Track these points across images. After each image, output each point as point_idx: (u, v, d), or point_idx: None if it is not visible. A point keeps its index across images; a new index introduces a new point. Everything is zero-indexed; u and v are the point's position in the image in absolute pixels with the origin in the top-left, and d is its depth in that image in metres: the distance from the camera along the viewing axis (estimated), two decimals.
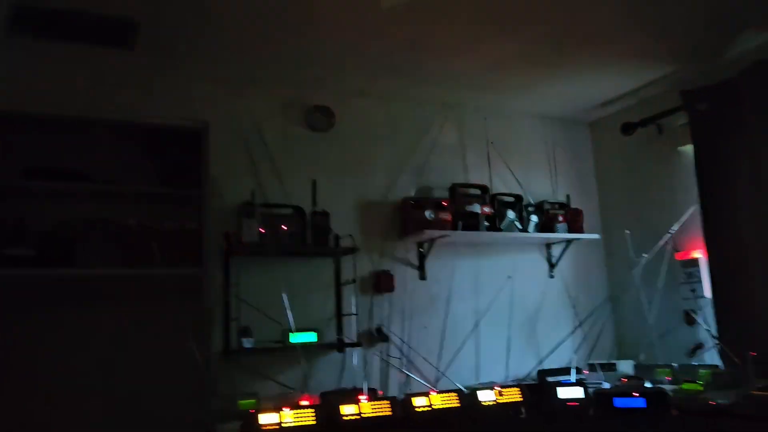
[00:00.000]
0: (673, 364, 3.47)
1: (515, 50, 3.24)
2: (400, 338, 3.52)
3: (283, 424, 2.46)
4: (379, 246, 3.60)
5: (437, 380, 3.50)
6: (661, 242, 3.56)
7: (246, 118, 3.42)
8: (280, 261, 3.32)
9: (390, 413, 2.67)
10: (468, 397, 2.90)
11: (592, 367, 3.67)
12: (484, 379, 3.67)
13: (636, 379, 3.44)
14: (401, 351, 3.50)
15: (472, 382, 3.56)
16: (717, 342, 3.37)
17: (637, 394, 2.90)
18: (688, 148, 3.63)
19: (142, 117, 3.25)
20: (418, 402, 2.76)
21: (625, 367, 3.72)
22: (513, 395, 2.96)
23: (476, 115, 4.05)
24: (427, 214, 3.58)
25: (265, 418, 2.47)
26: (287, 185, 3.41)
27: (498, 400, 2.91)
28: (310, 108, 3.58)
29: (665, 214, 3.73)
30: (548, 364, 3.85)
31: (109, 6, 2.60)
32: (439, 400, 2.82)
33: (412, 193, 3.70)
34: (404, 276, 3.65)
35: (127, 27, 2.76)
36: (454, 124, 4.00)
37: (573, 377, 3.45)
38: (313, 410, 2.57)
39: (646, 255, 3.56)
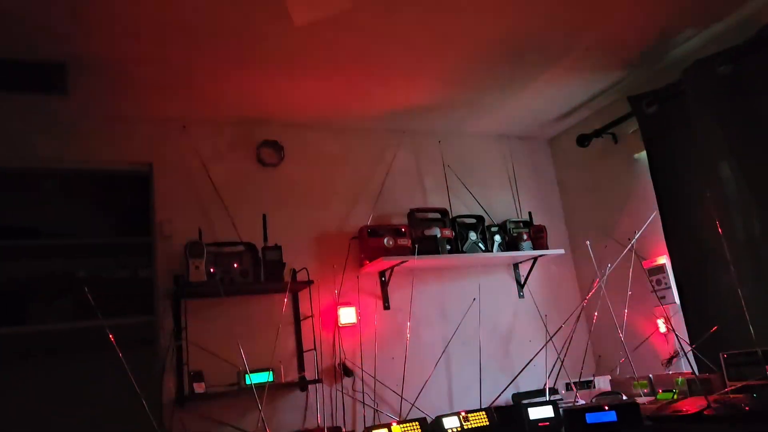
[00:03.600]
0: (649, 375, 3.36)
1: (463, 69, 3.23)
2: (366, 372, 3.40)
3: None
4: (338, 278, 3.51)
5: (407, 413, 3.37)
6: (625, 251, 3.49)
7: (192, 156, 3.38)
8: (233, 300, 3.23)
9: None
10: (431, 425, 2.78)
11: (568, 386, 3.57)
12: (457, 408, 3.53)
13: (612, 395, 3.34)
14: (368, 385, 3.38)
15: (445, 412, 3.44)
16: (690, 348, 3.27)
17: (608, 408, 2.79)
18: (643, 155, 3.60)
19: (83, 164, 3.20)
20: None
21: (602, 383, 3.61)
22: (479, 420, 2.84)
23: (431, 138, 4.03)
24: (385, 241, 3.51)
25: None
26: (238, 222, 3.34)
27: (464, 426, 2.79)
28: (258, 143, 3.55)
29: (628, 223, 3.68)
30: (524, 386, 3.72)
31: (32, 51, 2.58)
32: (405, 428, 2.69)
33: (369, 222, 3.64)
34: (367, 307, 3.56)
35: (55, 70, 2.72)
36: (409, 149, 3.98)
37: (546, 397, 3.34)
38: None
39: (611, 266, 3.48)
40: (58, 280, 3.28)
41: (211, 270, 3.08)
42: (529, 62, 3.27)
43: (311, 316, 3.34)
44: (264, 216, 3.38)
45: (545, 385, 3.46)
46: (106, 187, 3.44)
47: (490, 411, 2.91)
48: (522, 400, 3.53)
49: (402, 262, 3.47)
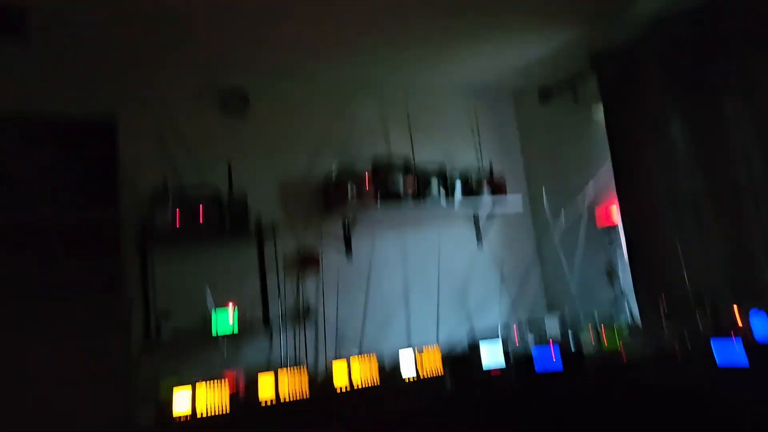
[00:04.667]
0: (595, 321, 3.60)
1: (426, 18, 3.23)
2: (328, 314, 3.55)
3: (197, 405, 2.47)
4: (303, 225, 3.60)
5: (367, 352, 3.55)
6: (579, 201, 3.65)
7: (157, 104, 3.36)
8: (200, 247, 3.30)
9: (309, 395, 2.69)
10: (390, 370, 2.95)
11: (524, 328, 3.77)
12: (414, 344, 3.73)
13: (561, 337, 3.57)
14: (331, 324, 3.53)
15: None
16: (635, 293, 3.50)
17: (555, 359, 3.00)
18: (601, 113, 3.70)
19: (48, 111, 3.15)
20: (339, 382, 2.79)
21: (553, 325, 3.82)
22: (435, 364, 3.03)
23: (396, 88, 4.05)
24: (349, 189, 3.58)
25: (179, 403, 2.47)
26: (204, 171, 3.37)
27: (420, 375, 2.97)
28: (223, 91, 3.52)
29: (584, 177, 3.83)
30: (479, 328, 3.93)
31: None
32: (360, 374, 2.85)
33: (334, 171, 3.69)
34: (330, 253, 3.67)
35: (15, 15, 2.64)
36: (374, 99, 4.00)
37: (499, 341, 3.55)
38: (228, 391, 2.58)
39: (565, 213, 3.63)
40: (23, 226, 3.25)
41: (176, 216, 3.12)
42: (490, 13, 3.27)
43: (275, 260, 3.44)
44: (229, 165, 3.40)
45: (499, 326, 3.67)
46: (70, 134, 3.38)
47: (447, 358, 3.09)
48: (478, 341, 3.76)
49: (364, 210, 3.56)
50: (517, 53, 3.86)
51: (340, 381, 2.83)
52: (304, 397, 2.66)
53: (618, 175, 3.57)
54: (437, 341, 3.68)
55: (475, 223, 4.18)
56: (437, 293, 3.86)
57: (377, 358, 2.95)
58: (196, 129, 3.44)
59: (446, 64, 3.89)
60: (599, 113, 3.72)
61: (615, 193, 3.62)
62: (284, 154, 3.65)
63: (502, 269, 3.92)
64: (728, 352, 2.39)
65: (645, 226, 3.45)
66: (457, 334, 3.80)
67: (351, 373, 2.83)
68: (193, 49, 3.24)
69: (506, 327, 3.76)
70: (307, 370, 2.89)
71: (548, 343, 3.47)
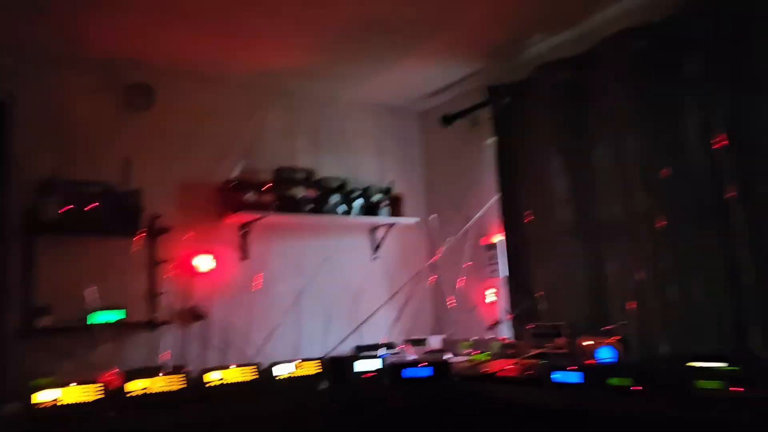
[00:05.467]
0: (474, 338, 3.81)
1: (339, 39, 3.40)
2: (217, 317, 3.60)
3: (59, 401, 2.48)
4: (199, 226, 3.65)
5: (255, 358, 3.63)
6: (467, 225, 3.87)
7: (56, 91, 3.35)
8: (88, 240, 3.29)
9: (179, 387, 2.74)
10: (266, 370, 3.04)
11: (407, 343, 3.96)
12: (303, 356, 3.83)
13: (438, 353, 3.76)
14: (220, 329, 3.59)
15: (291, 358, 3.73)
16: (509, 317, 3.74)
17: (423, 364, 3.18)
18: (493, 141, 3.96)
19: None
20: (212, 376, 2.85)
21: (435, 341, 4.04)
22: (312, 369, 3.13)
23: (306, 101, 4.18)
24: (248, 195, 3.67)
25: (44, 396, 2.47)
26: (100, 164, 3.38)
27: (295, 374, 3.07)
28: (127, 85, 3.54)
29: (476, 201, 4.06)
30: (369, 340, 4.07)
31: None
32: (237, 374, 2.93)
33: (236, 176, 3.76)
34: (225, 256, 3.73)
35: None
36: (284, 109, 4.11)
37: (383, 352, 3.71)
38: (100, 386, 2.60)
39: (451, 238, 3.85)
40: None
41: (64, 208, 3.11)
42: (400, 41, 3.49)
43: (167, 261, 3.47)
44: (126, 160, 3.41)
45: (384, 340, 3.82)
46: None
47: (325, 361, 3.21)
48: (361, 352, 3.91)
49: (261, 218, 3.66)
50: (424, 78, 4.08)
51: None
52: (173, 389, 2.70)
53: (503, 204, 3.81)
54: (325, 347, 3.79)
55: (371, 240, 4.34)
56: (329, 303, 3.98)
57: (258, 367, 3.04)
58: (96, 121, 3.44)
59: (358, 81, 4.07)
60: (493, 141, 3.96)
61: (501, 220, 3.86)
62: (186, 154, 3.70)
63: (393, 285, 4.08)
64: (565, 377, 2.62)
65: (523, 255, 3.69)
66: (344, 344, 3.92)
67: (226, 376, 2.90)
68: (99, 40, 3.26)
69: (391, 342, 3.92)
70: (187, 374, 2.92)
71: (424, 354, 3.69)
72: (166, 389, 2.72)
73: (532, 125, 3.61)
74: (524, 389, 2.81)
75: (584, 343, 3.07)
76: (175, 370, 3.07)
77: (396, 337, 4.05)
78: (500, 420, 2.79)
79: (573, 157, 3.41)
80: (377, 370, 3.25)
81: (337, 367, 3.24)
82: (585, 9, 3.25)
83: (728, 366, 2.09)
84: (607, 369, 2.53)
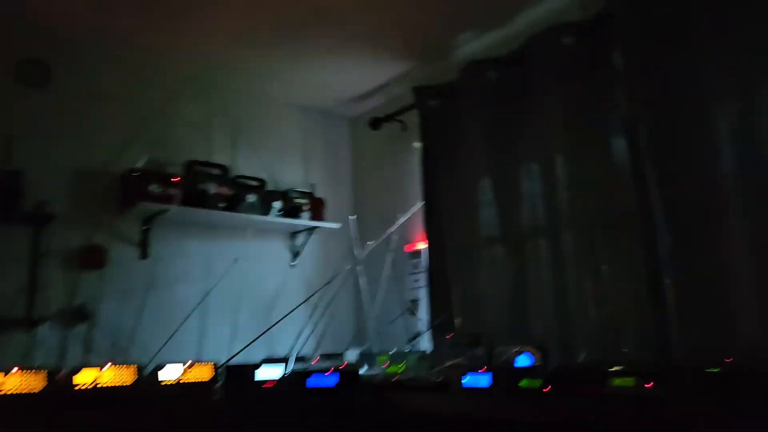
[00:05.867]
0: (391, 351, 3.57)
1: (262, 30, 3.22)
2: (108, 319, 3.25)
3: None
4: (94, 218, 3.31)
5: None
6: (388, 232, 3.67)
7: None
8: None
9: (40, 389, 2.38)
10: (150, 373, 2.70)
11: (322, 357, 3.69)
12: None
13: (351, 366, 3.50)
14: (107, 332, 3.24)
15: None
16: (428, 329, 3.52)
17: (328, 373, 2.91)
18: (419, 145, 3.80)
19: None
20: (81, 378, 2.50)
21: (351, 355, 3.77)
22: (203, 374, 2.82)
23: (227, 93, 3.95)
24: (152, 188, 3.37)
25: None
26: None
27: (185, 379, 2.75)
28: (20, 58, 3.23)
29: (402, 207, 3.86)
30: (281, 353, 3.78)
31: None
32: (113, 376, 2.58)
33: (140, 166, 3.46)
34: (121, 253, 3.40)
35: None
36: (201, 99, 3.86)
37: (291, 364, 3.42)
38: None
39: (370, 243, 3.64)
40: None
41: None
42: (331, 38, 3.33)
43: (52, 253, 3.12)
44: (8, 137, 3.08)
45: (292, 352, 3.53)
46: None
47: (219, 366, 2.90)
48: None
49: (163, 211, 3.36)
50: (353, 79, 3.92)
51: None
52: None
53: (427, 213, 3.64)
54: (225, 358, 3.47)
55: (290, 245, 4.08)
56: (239, 311, 3.67)
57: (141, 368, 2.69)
58: None
59: (284, 79, 3.87)
60: (419, 145, 3.81)
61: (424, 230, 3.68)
62: (84, 138, 3.38)
63: (311, 292, 3.80)
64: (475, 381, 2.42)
65: (445, 265, 3.50)
66: (251, 354, 3.60)
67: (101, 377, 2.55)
68: None
69: (303, 356, 3.65)
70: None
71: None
72: (23, 390, 2.36)
73: (460, 128, 3.47)
74: (434, 396, 2.58)
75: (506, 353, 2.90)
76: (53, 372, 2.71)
77: (311, 351, 3.77)
78: (408, 429, 2.54)
79: (499, 160, 3.27)
80: (279, 379, 2.96)
81: (234, 374, 2.93)
82: (513, 7, 3.16)
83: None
84: (518, 371, 2.33)
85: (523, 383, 2.17)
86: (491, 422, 2.19)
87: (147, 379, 2.68)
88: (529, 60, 3.13)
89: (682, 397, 1.73)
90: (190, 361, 2.82)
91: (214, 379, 2.85)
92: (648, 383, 1.78)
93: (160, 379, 2.71)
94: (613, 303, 2.74)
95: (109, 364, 2.56)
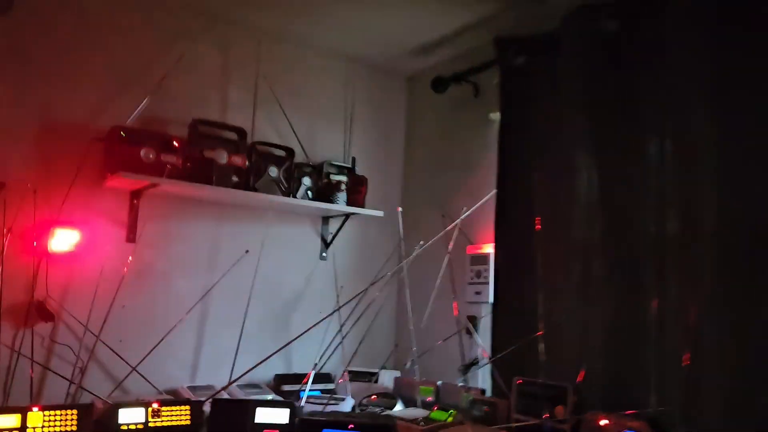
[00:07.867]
0: (438, 382, 2.75)
1: None
2: (78, 318, 2.52)
3: None
4: (67, 188, 2.55)
5: (128, 380, 2.56)
6: (449, 227, 2.81)
7: None
8: None
9: None
10: (107, 414, 1.96)
11: (350, 375, 2.92)
12: (201, 383, 2.77)
13: (387, 399, 2.72)
14: (77, 336, 2.52)
15: (185, 385, 2.68)
16: (489, 361, 2.67)
17: (352, 427, 2.10)
18: (498, 116, 2.90)
19: None
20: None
21: (387, 378, 2.99)
22: (179, 417, 2.05)
23: (249, 36, 3.10)
24: (144, 152, 2.59)
25: None
26: None
27: (150, 425, 1.99)
28: None
29: (467, 197, 2.98)
30: (299, 367, 3.02)
31: None
32: (48, 419, 1.84)
33: (130, 123, 2.67)
34: (102, 233, 2.65)
35: None
36: (215, 43, 3.03)
37: (308, 389, 2.65)
38: None
39: (422, 243, 2.78)
40: None
41: None
42: None
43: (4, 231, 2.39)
44: None
45: (313, 368, 2.75)
46: None
47: (198, 406, 2.13)
48: (283, 385, 2.85)
49: (153, 185, 2.58)
50: (412, 24, 3.04)
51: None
52: None
53: (500, 207, 2.76)
54: (234, 372, 2.72)
55: (320, 233, 3.27)
56: (251, 313, 2.88)
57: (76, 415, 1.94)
58: None
59: (325, 20, 3.02)
60: (497, 116, 2.91)
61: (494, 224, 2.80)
62: (55, 85, 2.60)
63: (344, 296, 2.99)
64: None
65: (518, 276, 2.65)
66: (272, 365, 2.82)
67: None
68: None
69: (328, 373, 2.88)
70: None
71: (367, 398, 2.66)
72: None
73: (556, 96, 2.54)
74: None
75: (600, 423, 2.04)
76: None
77: (337, 367, 2.99)
78: None
79: (612, 142, 2.34)
80: (285, 425, 2.18)
81: (222, 414, 2.16)
82: None
83: None
84: None
85: None
86: None
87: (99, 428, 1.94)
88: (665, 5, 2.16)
89: None
90: (156, 405, 2.05)
91: (196, 424, 2.09)
92: None
93: (121, 422, 1.97)
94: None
95: (37, 408, 1.81)
